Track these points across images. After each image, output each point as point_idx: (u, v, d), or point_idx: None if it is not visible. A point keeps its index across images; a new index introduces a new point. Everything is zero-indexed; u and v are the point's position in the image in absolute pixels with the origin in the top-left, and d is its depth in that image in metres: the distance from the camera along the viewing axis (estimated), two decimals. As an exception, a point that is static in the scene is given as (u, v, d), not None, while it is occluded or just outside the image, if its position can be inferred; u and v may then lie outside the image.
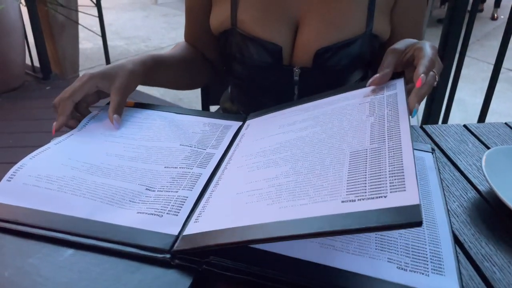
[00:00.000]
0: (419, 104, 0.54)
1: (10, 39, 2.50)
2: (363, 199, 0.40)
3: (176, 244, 0.47)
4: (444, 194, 0.59)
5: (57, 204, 0.52)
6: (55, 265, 0.46)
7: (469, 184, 0.66)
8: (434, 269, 0.45)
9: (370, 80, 0.61)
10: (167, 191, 0.54)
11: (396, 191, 0.39)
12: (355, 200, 0.40)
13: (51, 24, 2.67)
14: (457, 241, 0.55)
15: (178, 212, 0.51)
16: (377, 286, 0.43)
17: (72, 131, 0.66)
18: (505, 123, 0.86)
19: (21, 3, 2.47)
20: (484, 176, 0.60)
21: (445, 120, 1.80)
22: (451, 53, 1.61)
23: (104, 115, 0.71)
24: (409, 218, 0.36)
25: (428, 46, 0.59)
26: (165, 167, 0.59)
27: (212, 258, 0.46)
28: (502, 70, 1.62)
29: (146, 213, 0.51)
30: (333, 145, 0.52)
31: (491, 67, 1.60)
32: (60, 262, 0.46)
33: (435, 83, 0.56)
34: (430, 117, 1.78)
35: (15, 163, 0.58)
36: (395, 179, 0.41)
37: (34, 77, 2.77)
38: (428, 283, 0.44)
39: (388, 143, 0.47)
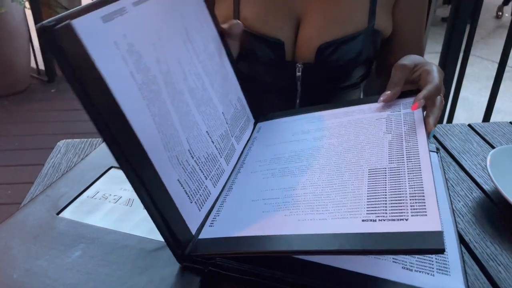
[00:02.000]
0: (435, 126, 0.55)
1: (15, 43, 2.52)
2: (384, 220, 0.40)
3: (191, 248, 0.46)
4: (449, 194, 0.59)
5: (131, 105, 0.41)
6: (63, 266, 0.46)
7: (474, 184, 0.66)
8: (440, 269, 0.45)
9: (381, 98, 0.61)
10: (200, 170, 0.52)
11: (417, 215, 0.39)
12: (375, 220, 0.40)
13: (55, 27, 2.69)
14: (462, 240, 0.55)
15: (202, 207, 0.50)
16: (383, 287, 0.43)
17: None
18: (510, 122, 0.85)
19: (25, 7, 2.48)
20: (489, 175, 0.60)
21: (450, 119, 1.80)
22: (455, 51, 1.61)
23: None
24: (431, 245, 0.36)
25: (436, 71, 0.60)
26: (206, 131, 0.55)
27: (218, 259, 0.46)
28: (507, 68, 1.61)
29: (183, 187, 0.47)
30: (351, 160, 0.51)
31: (496, 65, 1.60)
32: (68, 263, 0.46)
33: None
34: (434, 116, 1.78)
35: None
36: (416, 203, 0.41)
37: (39, 80, 2.79)
38: (433, 283, 0.44)
39: (407, 163, 0.47)
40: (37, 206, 0.55)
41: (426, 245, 0.36)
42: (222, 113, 0.60)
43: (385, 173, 0.47)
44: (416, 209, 0.40)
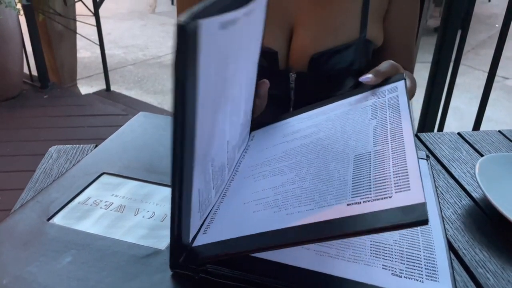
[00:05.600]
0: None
1: (8, 48, 2.51)
2: (368, 201, 0.40)
3: (184, 255, 0.46)
4: (439, 201, 0.59)
5: (203, 113, 0.40)
6: (53, 273, 0.46)
7: (463, 191, 0.67)
8: (429, 276, 0.46)
9: (362, 77, 0.63)
10: (212, 180, 0.50)
11: (400, 191, 0.39)
12: (360, 203, 0.40)
13: (49, 33, 2.69)
14: (451, 247, 0.56)
15: (203, 216, 0.50)
16: (372, 293, 0.44)
17: None
18: (499, 131, 0.86)
19: (19, 12, 2.48)
20: (478, 183, 0.61)
21: (440, 128, 1.82)
22: (446, 61, 1.63)
23: None
24: (415, 217, 0.36)
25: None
26: (227, 141, 0.53)
27: (209, 266, 0.46)
28: (498, 78, 1.64)
29: (199, 196, 0.46)
30: (337, 150, 0.52)
31: (486, 75, 1.62)
32: (58, 270, 0.46)
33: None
34: (425, 125, 1.80)
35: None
36: (399, 179, 0.41)
37: (32, 86, 2.78)
38: (422, 289, 0.44)
39: (391, 144, 0.47)
40: (27, 212, 0.55)
41: (409, 219, 0.36)
42: (241, 124, 0.60)
43: (370, 156, 0.47)
44: (400, 185, 0.40)
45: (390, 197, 0.39)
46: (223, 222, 0.49)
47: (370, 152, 0.48)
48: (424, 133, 0.85)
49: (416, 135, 0.84)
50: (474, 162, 0.75)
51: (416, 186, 0.39)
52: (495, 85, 1.62)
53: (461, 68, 1.70)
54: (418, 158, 0.43)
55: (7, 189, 1.79)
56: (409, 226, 0.36)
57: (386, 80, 0.63)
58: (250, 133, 0.71)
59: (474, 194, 0.66)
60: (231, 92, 0.50)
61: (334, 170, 0.48)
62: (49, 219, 0.54)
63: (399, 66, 0.64)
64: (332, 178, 0.47)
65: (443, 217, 0.56)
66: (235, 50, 0.46)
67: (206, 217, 0.51)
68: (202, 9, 0.36)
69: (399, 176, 0.41)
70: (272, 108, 0.85)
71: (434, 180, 0.64)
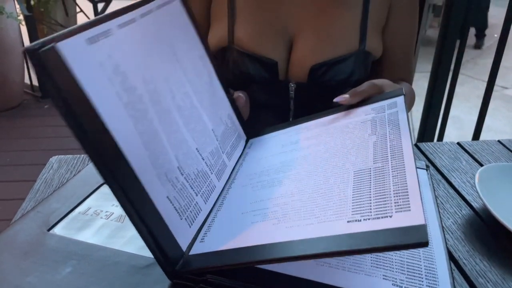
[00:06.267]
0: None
1: (9, 58, 2.53)
2: (368, 219, 0.40)
3: (181, 264, 0.46)
4: (439, 211, 0.59)
5: (117, 123, 0.42)
6: (52, 283, 0.46)
7: (463, 201, 0.67)
8: (429, 286, 0.46)
9: (337, 99, 0.64)
10: (190, 187, 0.52)
11: (401, 211, 0.39)
12: (360, 220, 0.41)
13: (50, 43, 2.70)
14: (451, 257, 0.55)
15: (192, 223, 0.50)
16: (373, 303, 0.44)
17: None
18: (498, 141, 0.87)
19: (21, 23, 2.50)
20: (478, 193, 0.61)
21: (440, 138, 1.82)
22: (444, 71, 1.64)
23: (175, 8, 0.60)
24: (415, 239, 0.36)
25: (383, 84, 0.65)
26: (196, 149, 0.55)
27: (209, 276, 0.46)
28: (497, 88, 1.64)
29: (172, 204, 0.47)
30: (337, 164, 0.52)
31: (485, 84, 1.63)
32: (58, 280, 0.46)
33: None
34: (425, 134, 1.80)
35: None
36: (399, 199, 0.41)
37: (32, 96, 2.79)
38: (423, 299, 0.44)
39: (391, 162, 0.47)
40: (28, 222, 0.55)
41: (409, 240, 0.36)
42: (212, 130, 0.61)
43: (370, 173, 0.47)
44: (400, 205, 0.40)
45: (390, 217, 0.39)
46: (221, 231, 0.49)
47: (370, 168, 0.48)
48: (423, 143, 0.85)
49: (415, 145, 0.85)
50: (474, 171, 0.75)
51: (416, 207, 0.39)
52: (494, 94, 1.63)
53: (460, 78, 1.71)
54: (418, 168, 0.43)
55: (7, 199, 1.79)
56: (410, 248, 0.36)
57: (378, 96, 0.63)
58: (248, 140, 0.72)
59: (474, 204, 0.66)
60: (167, 101, 0.51)
61: (334, 184, 0.48)
62: (49, 230, 0.54)
63: (382, 85, 0.65)
64: (332, 193, 0.47)
65: (443, 227, 0.56)
66: (128, 58, 0.47)
67: (203, 225, 0.52)
68: (61, 34, 0.39)
69: (399, 196, 0.41)
70: (272, 118, 0.86)
71: (434, 190, 0.65)
